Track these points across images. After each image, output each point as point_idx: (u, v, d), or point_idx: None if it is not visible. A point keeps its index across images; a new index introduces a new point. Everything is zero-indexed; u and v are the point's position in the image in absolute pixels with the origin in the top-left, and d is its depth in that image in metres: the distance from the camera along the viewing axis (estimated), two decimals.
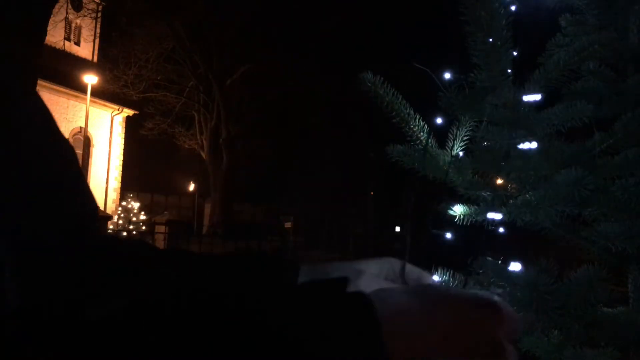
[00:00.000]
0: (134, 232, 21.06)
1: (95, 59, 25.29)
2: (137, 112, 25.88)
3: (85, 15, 24.39)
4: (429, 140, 1.19)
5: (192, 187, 32.31)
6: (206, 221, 26.37)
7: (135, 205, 23.45)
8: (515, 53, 1.19)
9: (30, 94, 0.65)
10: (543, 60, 1.26)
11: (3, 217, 0.55)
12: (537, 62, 1.26)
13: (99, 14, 24.75)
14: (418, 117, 1.22)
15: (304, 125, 24.77)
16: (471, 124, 1.27)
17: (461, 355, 0.52)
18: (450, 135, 1.29)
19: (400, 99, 1.19)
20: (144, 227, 22.29)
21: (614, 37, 1.22)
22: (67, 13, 22.03)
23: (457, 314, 0.52)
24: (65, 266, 0.57)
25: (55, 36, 21.58)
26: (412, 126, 1.22)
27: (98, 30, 25.49)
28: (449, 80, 1.20)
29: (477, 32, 1.08)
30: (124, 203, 23.67)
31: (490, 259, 1.33)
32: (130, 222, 22.84)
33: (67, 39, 23.98)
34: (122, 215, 23.03)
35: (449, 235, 1.35)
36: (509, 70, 1.17)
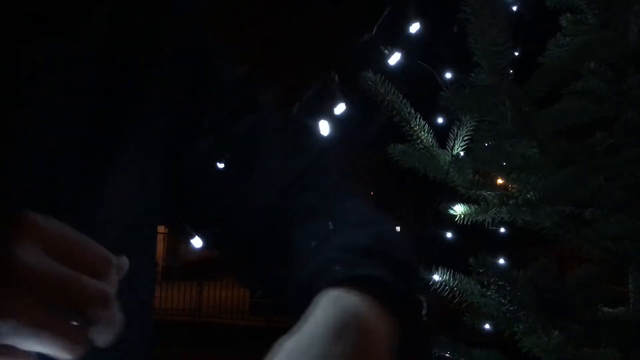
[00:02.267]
0: None
1: None
2: None
3: None
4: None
5: None
6: None
7: None
8: (516, 53, 1.19)
9: None
10: (543, 60, 1.26)
11: None
12: (537, 62, 1.26)
13: None
14: (419, 116, 1.22)
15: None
16: (472, 123, 1.27)
17: None
18: (450, 134, 1.29)
19: (400, 98, 1.19)
20: None
21: (614, 37, 1.22)
22: None
23: None
24: None
25: None
26: (412, 125, 1.22)
27: None
28: (450, 79, 1.20)
29: (478, 29, 1.08)
30: None
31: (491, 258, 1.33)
32: None
33: None
34: None
35: (449, 235, 1.35)
36: (510, 70, 1.17)
